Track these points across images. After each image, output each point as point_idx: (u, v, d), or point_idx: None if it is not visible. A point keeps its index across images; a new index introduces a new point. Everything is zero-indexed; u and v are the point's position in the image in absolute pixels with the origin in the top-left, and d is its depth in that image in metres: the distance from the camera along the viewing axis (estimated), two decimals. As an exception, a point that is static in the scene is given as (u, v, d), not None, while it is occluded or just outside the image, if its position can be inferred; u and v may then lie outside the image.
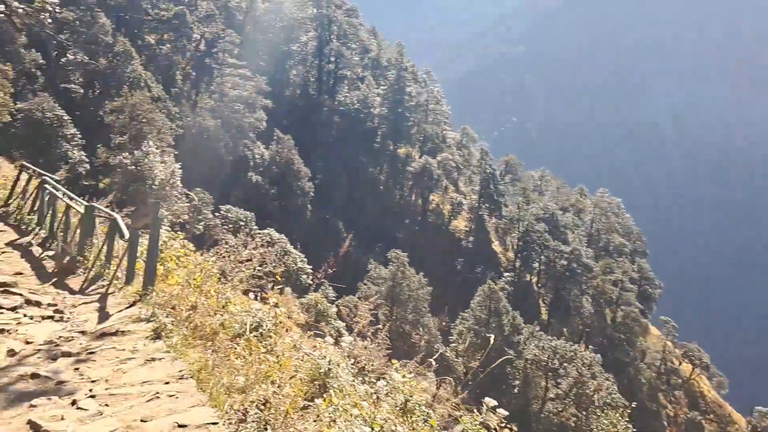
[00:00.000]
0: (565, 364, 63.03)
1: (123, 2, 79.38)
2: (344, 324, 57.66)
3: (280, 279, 15.55)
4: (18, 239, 12.99)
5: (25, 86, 62.34)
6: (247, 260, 9.64)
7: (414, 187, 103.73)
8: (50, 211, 13.18)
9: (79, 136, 57.06)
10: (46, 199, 13.64)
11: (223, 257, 9.76)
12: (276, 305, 8.83)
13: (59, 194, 13.08)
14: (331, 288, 66.84)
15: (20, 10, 12.62)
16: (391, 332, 9.32)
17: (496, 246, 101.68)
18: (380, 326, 9.35)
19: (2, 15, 13.98)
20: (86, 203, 11.77)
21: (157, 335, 7.20)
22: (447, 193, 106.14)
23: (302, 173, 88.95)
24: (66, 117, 56.88)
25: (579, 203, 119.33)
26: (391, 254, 76.75)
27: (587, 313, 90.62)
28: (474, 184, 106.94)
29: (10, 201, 16.20)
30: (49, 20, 13.15)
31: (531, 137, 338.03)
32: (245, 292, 10.04)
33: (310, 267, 66.41)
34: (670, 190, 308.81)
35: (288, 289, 60.24)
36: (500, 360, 10.70)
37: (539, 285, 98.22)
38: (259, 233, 66.11)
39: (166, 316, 7.64)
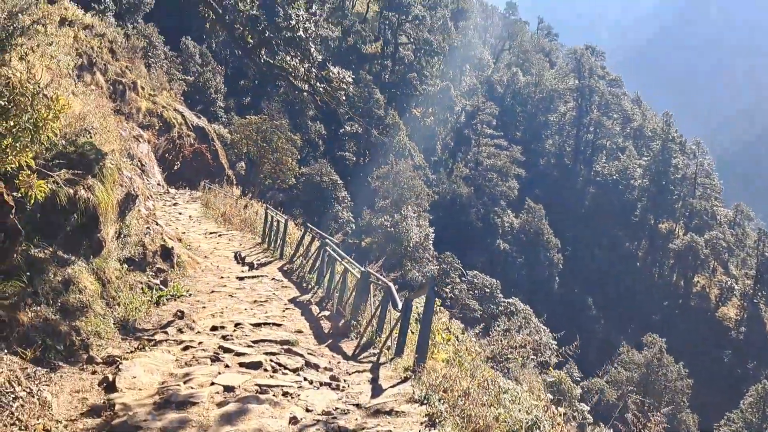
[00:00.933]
0: None
1: (395, 79, 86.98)
2: (588, 407, 53.56)
3: (552, 370, 14.72)
4: (299, 296, 14.04)
5: (309, 153, 70.78)
6: (521, 346, 9.03)
7: (675, 266, 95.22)
8: (329, 272, 14.05)
9: (349, 198, 63.13)
10: (326, 260, 14.62)
11: (495, 340, 9.27)
12: (555, 403, 8.04)
13: (337, 256, 13.92)
14: (576, 367, 63.26)
15: (321, 89, 13.99)
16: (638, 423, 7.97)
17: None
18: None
19: (305, 93, 15.70)
20: (362, 268, 12.24)
21: (431, 422, 6.84)
22: (715, 275, 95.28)
23: (551, 243, 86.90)
24: (339, 181, 63.32)
25: None
26: (647, 338, 70.68)
27: None
28: (748, 267, 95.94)
29: (295, 258, 17.86)
30: (344, 97, 14.39)
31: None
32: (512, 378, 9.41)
33: (555, 342, 63.54)
34: None
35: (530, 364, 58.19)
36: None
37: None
38: (504, 302, 65.41)
39: (440, 401, 7.29)
